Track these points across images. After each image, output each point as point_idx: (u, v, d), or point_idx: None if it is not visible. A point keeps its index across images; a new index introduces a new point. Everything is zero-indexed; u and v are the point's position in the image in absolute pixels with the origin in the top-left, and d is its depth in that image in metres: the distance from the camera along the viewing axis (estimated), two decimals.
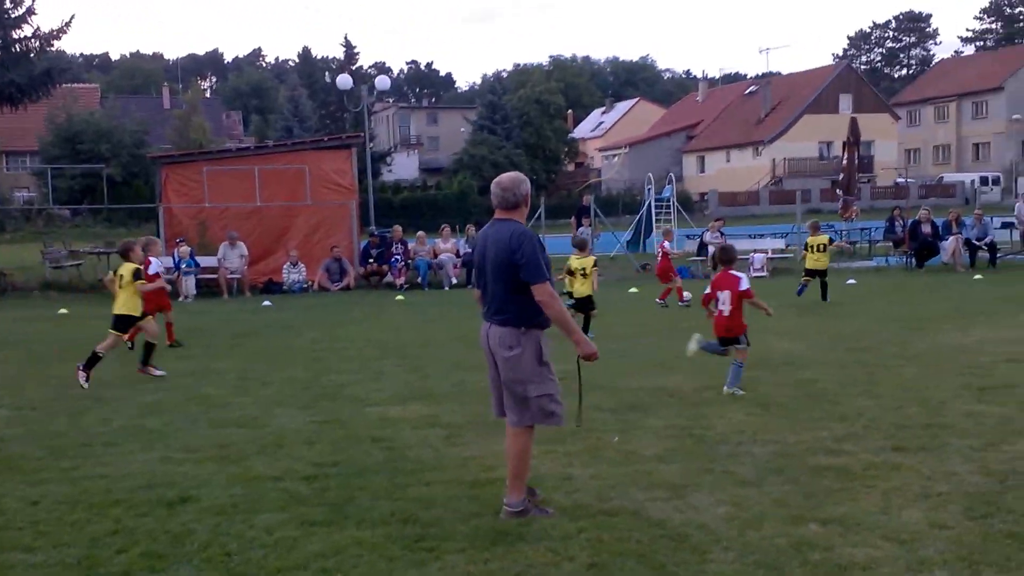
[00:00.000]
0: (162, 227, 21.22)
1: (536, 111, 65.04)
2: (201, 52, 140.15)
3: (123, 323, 9.99)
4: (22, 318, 16.50)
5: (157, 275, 11.53)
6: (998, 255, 21.38)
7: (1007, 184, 55.44)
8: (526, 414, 5.30)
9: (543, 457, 6.32)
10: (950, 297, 13.73)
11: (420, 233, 22.36)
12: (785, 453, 6.36)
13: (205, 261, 20.28)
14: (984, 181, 58.25)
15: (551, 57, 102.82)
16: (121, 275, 9.92)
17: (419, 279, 21.25)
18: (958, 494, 5.38)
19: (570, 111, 79.55)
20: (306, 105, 59.07)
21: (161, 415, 8.20)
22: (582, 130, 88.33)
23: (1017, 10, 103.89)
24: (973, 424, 7.00)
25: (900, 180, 61.53)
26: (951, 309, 12.79)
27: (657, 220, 28.61)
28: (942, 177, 63.87)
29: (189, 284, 19.51)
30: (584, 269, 12.27)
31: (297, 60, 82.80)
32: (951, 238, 20.57)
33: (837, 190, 30.87)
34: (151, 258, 11.44)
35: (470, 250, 21.54)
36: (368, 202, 25.34)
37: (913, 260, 21.51)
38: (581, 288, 12.25)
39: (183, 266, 19.54)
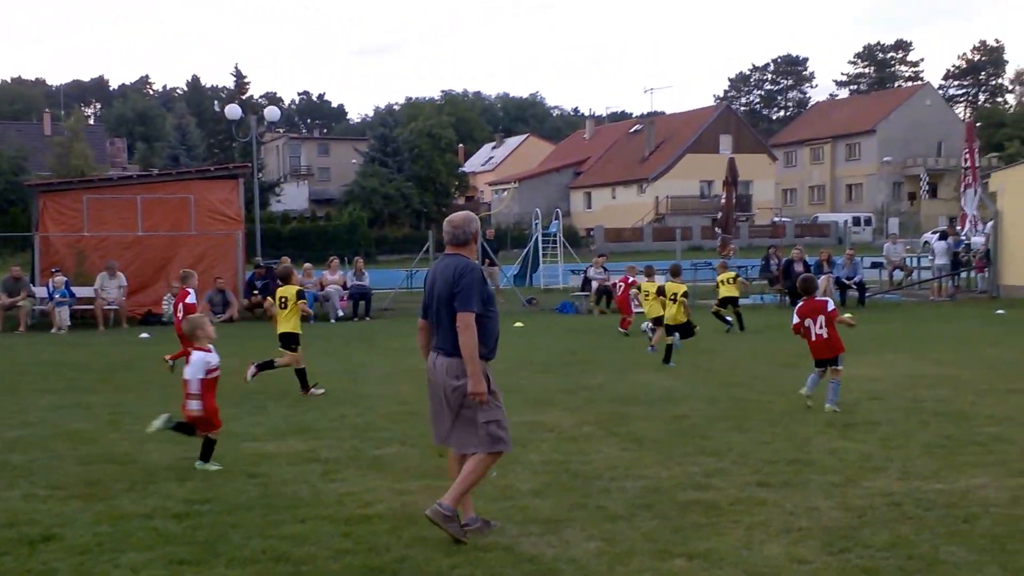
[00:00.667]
0: (37, 256, 20.60)
1: (427, 144, 65.30)
2: (86, 78, 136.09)
3: (291, 340, 11.09)
4: None
5: (193, 305, 12.02)
6: (867, 294, 22.41)
7: (878, 224, 58.32)
8: (474, 440, 5.53)
9: (421, 492, 6.34)
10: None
11: (307, 265, 22.14)
12: (656, 488, 6.53)
13: (81, 291, 19.65)
14: (856, 221, 61.36)
15: (443, 91, 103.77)
16: (284, 298, 11.16)
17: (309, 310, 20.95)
18: (818, 529, 5.60)
19: (461, 145, 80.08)
20: (194, 134, 57.93)
21: (26, 451, 7.91)
22: (473, 164, 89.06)
23: (889, 55, 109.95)
24: (835, 460, 7.29)
25: (777, 219, 64.02)
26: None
27: (544, 255, 29.05)
28: (816, 217, 66.85)
29: (63, 315, 18.86)
30: (676, 294, 13.35)
31: (186, 88, 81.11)
32: (822, 277, 21.48)
33: (716, 228, 31.93)
34: (189, 289, 12.17)
35: (358, 282, 21.52)
36: (255, 232, 24.93)
37: (787, 298, 22.35)
38: (674, 313, 13.39)
39: (57, 296, 18.91)
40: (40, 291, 19.60)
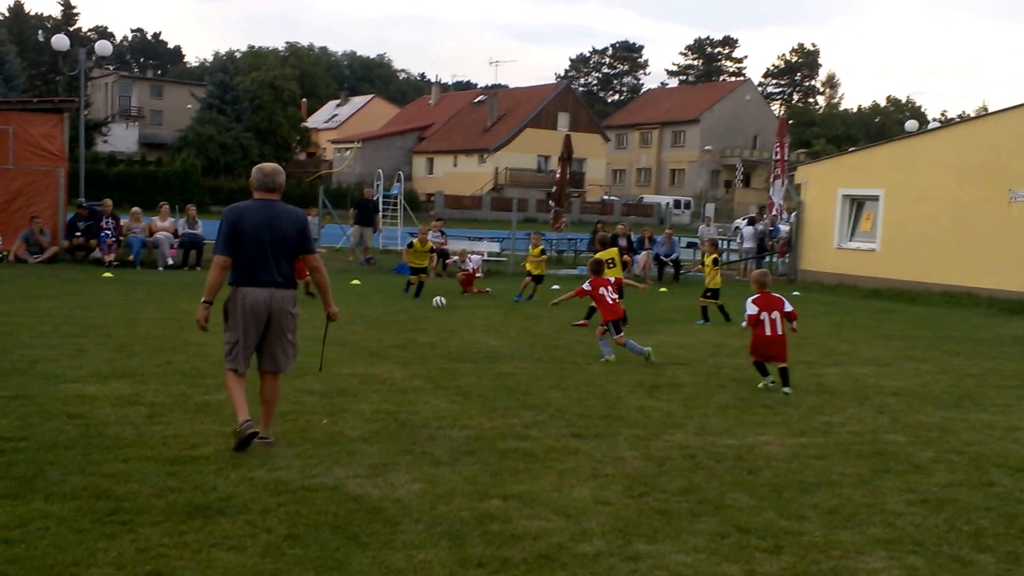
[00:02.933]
0: None
1: (269, 96, 63.42)
2: None
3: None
4: None
5: None
6: (681, 271, 23.74)
7: (696, 208, 61.42)
8: (290, 360, 6.44)
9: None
10: (637, 305, 15.09)
11: (135, 209, 21.23)
12: (479, 437, 6.86)
13: None
14: (677, 204, 64.67)
15: (287, 43, 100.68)
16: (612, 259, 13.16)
17: (131, 257, 20.22)
18: (622, 476, 6.09)
19: (304, 100, 78.21)
20: (14, 63, 53.98)
21: None
22: (316, 120, 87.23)
23: (716, 50, 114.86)
24: (642, 417, 7.88)
25: (606, 197, 66.18)
26: (637, 316, 14.05)
27: (384, 216, 28.96)
28: (642, 197, 69.72)
29: None
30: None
31: (6, 14, 75.50)
32: (643, 252, 22.54)
33: (550, 202, 32.69)
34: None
35: (190, 230, 20.83)
36: (79, 172, 23.70)
37: None
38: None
39: None
40: None
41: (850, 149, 27.68)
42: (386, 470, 5.93)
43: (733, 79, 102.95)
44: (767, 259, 26.44)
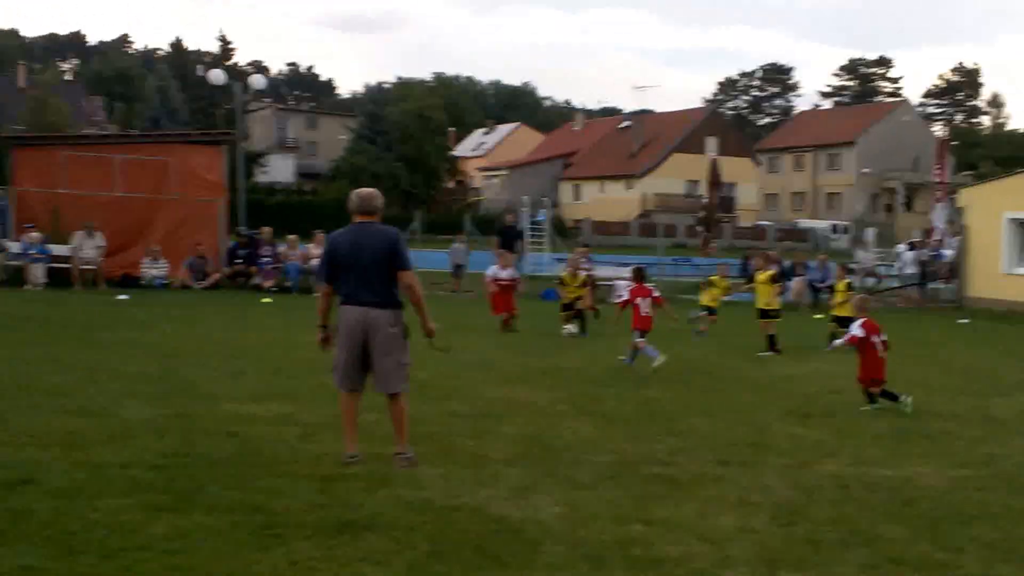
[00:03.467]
0: (10, 211, 20.25)
1: (418, 126, 65.10)
2: (62, 32, 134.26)
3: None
4: None
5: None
6: None
7: (856, 233, 58.96)
8: (400, 380, 6.44)
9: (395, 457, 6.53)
10: (791, 332, 14.60)
11: (291, 237, 22.12)
12: (622, 462, 6.77)
13: (57, 249, 19.41)
14: (834, 229, 62.25)
15: (434, 74, 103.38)
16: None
17: (288, 283, 21.07)
18: (769, 504, 5.88)
19: (452, 129, 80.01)
20: (176, 97, 57.24)
21: (3, 400, 8.00)
22: (463, 149, 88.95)
23: (872, 70, 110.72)
24: (791, 445, 7.61)
25: (760, 222, 64.54)
26: (790, 343, 13.62)
27: (532, 242, 29.23)
28: (797, 222, 67.48)
29: (38, 272, 18.79)
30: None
31: (169, 50, 79.80)
32: (796, 279, 21.82)
33: (698, 227, 32.19)
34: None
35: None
36: (239, 202, 24.91)
37: None
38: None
39: (32, 252, 18.84)
40: (14, 246, 19.47)
41: (1017, 171, 26.12)
42: (528, 492, 5.92)
43: (890, 100, 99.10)
44: (931, 285, 25.23)
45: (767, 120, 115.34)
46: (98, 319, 14.34)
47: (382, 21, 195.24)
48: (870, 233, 48.65)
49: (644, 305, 11.44)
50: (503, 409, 8.54)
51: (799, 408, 9.20)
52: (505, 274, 15.83)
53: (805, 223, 66.21)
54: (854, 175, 74.91)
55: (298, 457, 6.58)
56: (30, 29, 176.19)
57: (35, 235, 18.97)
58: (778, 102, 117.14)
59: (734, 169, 61.48)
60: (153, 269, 20.18)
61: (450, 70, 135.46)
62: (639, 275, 11.98)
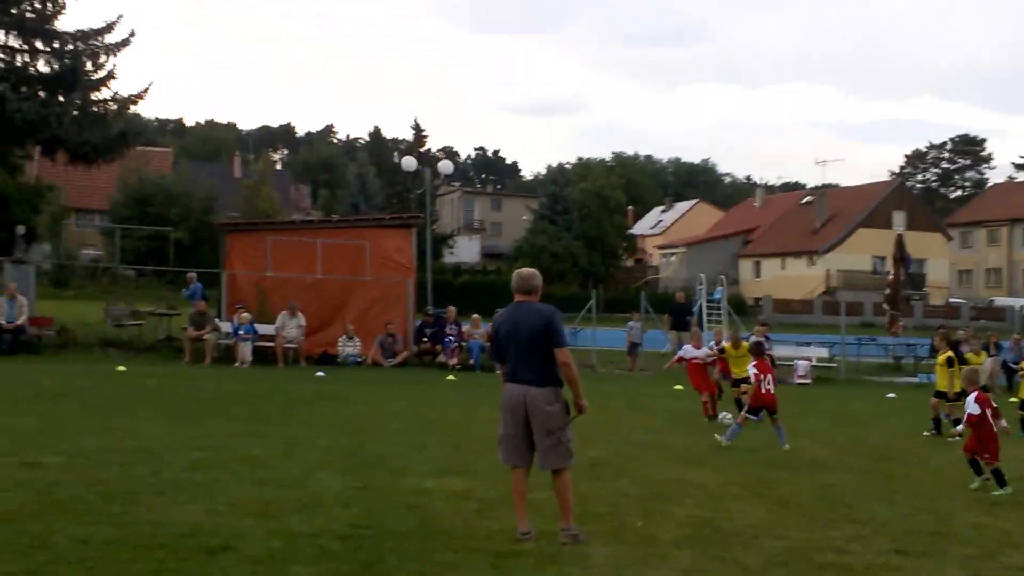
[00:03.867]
0: (224, 292, 21.79)
1: (597, 205, 65.96)
2: (274, 124, 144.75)
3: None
4: (81, 372, 17.11)
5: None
6: None
7: None
8: (560, 457, 6.56)
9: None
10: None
11: (475, 316, 22.81)
12: (794, 549, 6.66)
13: (263, 328, 20.75)
14: None
15: (614, 153, 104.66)
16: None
17: (472, 360, 21.69)
18: None
19: (630, 207, 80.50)
20: (373, 183, 60.40)
21: (208, 471, 8.63)
22: (641, 227, 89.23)
23: None
24: (976, 535, 7.28)
25: (952, 300, 61.01)
26: None
27: (708, 321, 28.92)
28: (992, 300, 63.38)
29: (246, 350, 20.10)
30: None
31: (368, 139, 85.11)
32: (989, 360, 20.60)
33: (884, 304, 30.89)
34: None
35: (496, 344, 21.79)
36: (426, 282, 25.99)
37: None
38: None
39: (241, 332, 20.21)
40: (225, 326, 20.95)
41: None
42: (695, 575, 5.95)
43: None
44: None
45: (958, 193, 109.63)
46: (297, 395, 15.27)
47: (565, 105, 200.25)
48: None
49: (765, 383, 11.37)
50: (673, 490, 8.56)
51: (985, 497, 8.76)
52: (700, 353, 15.05)
53: (1001, 301, 62.09)
54: None
55: (473, 532, 6.83)
56: (245, 123, 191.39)
57: (245, 315, 20.31)
58: (970, 174, 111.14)
59: (923, 244, 58.83)
60: (348, 347, 21.26)
61: (630, 149, 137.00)
62: (757, 350, 11.92)
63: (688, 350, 15.39)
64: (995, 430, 9.07)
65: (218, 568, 5.71)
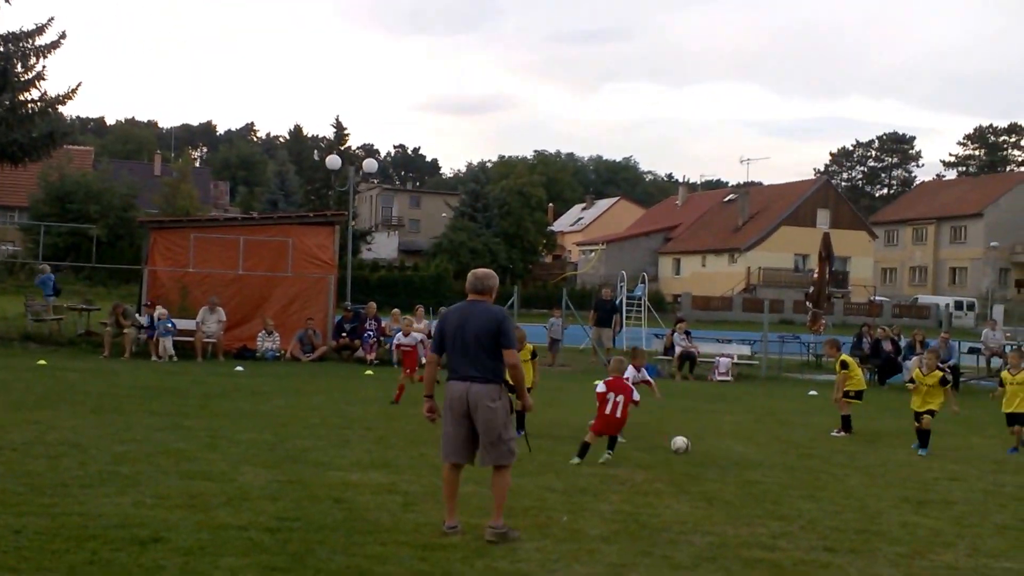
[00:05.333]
0: (144, 289, 21.60)
1: (518, 202, 66.20)
2: (195, 122, 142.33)
3: None
4: (2, 367, 16.65)
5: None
6: (961, 378, 21.74)
7: (982, 310, 56.20)
8: (502, 455, 6.59)
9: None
10: (907, 415, 14.16)
11: (395, 311, 22.67)
12: (722, 544, 6.76)
13: (183, 324, 20.57)
14: (959, 305, 59.09)
15: (535, 151, 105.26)
16: None
17: (392, 356, 21.53)
18: None
19: (551, 205, 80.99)
20: (293, 180, 59.83)
21: (134, 464, 8.51)
22: (561, 223, 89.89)
23: (1001, 138, 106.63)
24: (905, 533, 7.40)
25: (875, 298, 62.52)
26: (907, 426, 13.23)
27: (628, 317, 29.25)
28: (917, 298, 64.94)
29: (167, 345, 19.86)
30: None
31: (288, 137, 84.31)
32: (914, 358, 21.12)
33: (807, 302, 31.54)
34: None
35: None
36: (346, 278, 25.76)
37: (876, 376, 22.12)
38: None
39: (159, 327, 19.91)
40: (143, 320, 20.58)
41: None
42: (625, 570, 5.99)
43: (1022, 169, 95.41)
44: None
45: (884, 192, 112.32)
46: (217, 389, 14.98)
47: (486, 103, 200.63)
48: (999, 311, 46.51)
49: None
50: (598, 485, 8.60)
51: (914, 496, 8.88)
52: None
53: (926, 299, 63.78)
54: (981, 248, 71.94)
55: (400, 526, 6.81)
56: (166, 120, 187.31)
57: (162, 311, 20.19)
58: (897, 172, 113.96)
59: (848, 242, 60.31)
60: (267, 342, 21.01)
61: (552, 148, 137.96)
62: (617, 365, 11.02)
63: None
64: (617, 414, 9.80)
65: (149, 559, 5.72)
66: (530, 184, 68.39)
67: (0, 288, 35.19)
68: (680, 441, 10.59)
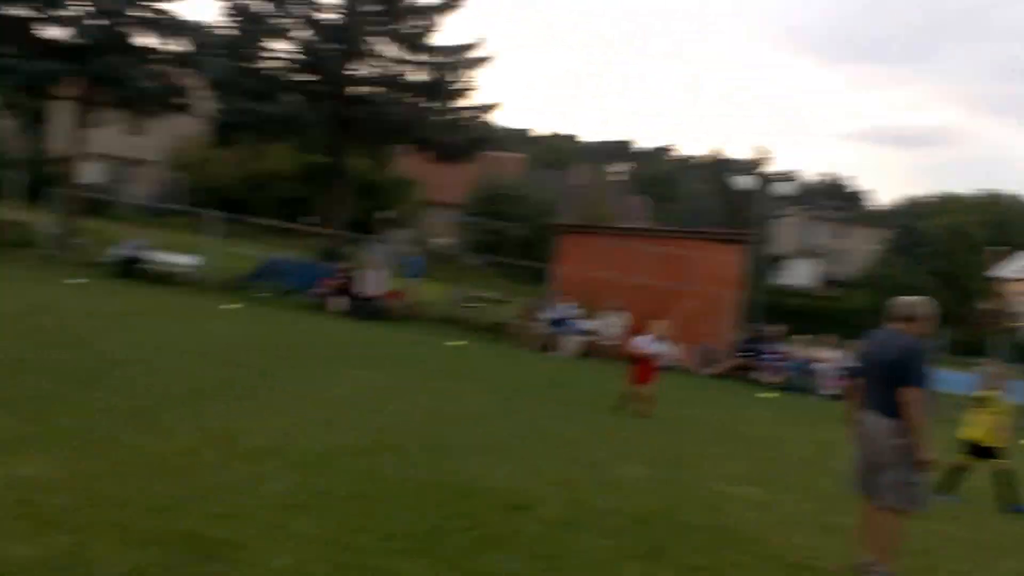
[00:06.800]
0: (550, 287, 23.01)
1: (955, 242, 61.07)
2: (613, 139, 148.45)
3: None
4: (421, 343, 18.35)
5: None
6: None
7: None
8: (895, 498, 6.00)
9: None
10: None
11: (800, 337, 22.04)
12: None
13: (584, 324, 21.34)
14: None
15: (983, 190, 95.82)
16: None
17: (792, 381, 20.93)
18: None
19: (989, 248, 73.40)
20: (710, 200, 60.32)
21: (524, 440, 9.10)
22: (1005, 269, 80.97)
23: None
24: None
25: None
26: None
27: None
28: None
29: (572, 342, 20.81)
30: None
31: (707, 158, 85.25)
32: None
33: None
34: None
35: (855, 365, 20.68)
36: (756, 300, 25.31)
37: None
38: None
39: (566, 325, 20.96)
40: (551, 315, 21.78)
41: None
42: None
43: None
44: None
45: None
46: (611, 388, 15.38)
47: (927, 137, 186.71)
48: None
49: None
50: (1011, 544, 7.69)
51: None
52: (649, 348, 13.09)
53: None
54: None
55: (768, 541, 6.65)
56: (586, 135, 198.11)
57: (575, 310, 21.24)
58: None
59: None
60: (654, 347, 21.27)
61: (1004, 187, 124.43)
62: None
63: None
64: None
65: (515, 522, 6.12)
66: (970, 224, 62.68)
67: (432, 276, 38.88)
68: None
